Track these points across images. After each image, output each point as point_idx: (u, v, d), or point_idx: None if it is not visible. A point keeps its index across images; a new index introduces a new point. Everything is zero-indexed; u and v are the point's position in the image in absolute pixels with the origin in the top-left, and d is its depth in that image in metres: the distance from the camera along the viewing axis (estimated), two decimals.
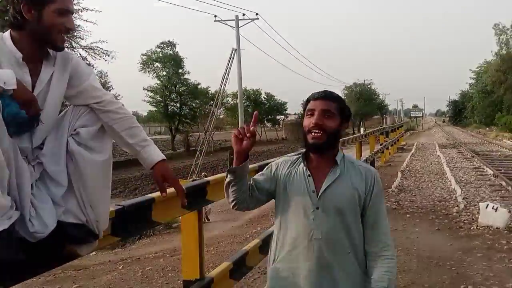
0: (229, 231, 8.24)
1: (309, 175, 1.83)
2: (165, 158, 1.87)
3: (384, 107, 66.16)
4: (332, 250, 1.77)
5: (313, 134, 1.78)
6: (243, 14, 27.07)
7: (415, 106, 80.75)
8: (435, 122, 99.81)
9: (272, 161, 2.03)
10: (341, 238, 1.78)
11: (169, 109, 44.18)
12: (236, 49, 25.18)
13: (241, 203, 1.86)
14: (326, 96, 1.83)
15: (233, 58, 26.09)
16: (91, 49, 19.96)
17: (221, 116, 47.71)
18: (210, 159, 33.94)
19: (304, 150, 1.92)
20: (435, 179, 11.35)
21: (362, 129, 51.12)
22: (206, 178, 3.21)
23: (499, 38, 43.95)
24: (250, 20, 27.03)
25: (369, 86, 57.77)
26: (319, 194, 1.79)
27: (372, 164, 12.26)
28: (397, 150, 20.58)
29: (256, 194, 1.88)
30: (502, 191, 9.43)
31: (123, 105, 1.87)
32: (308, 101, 1.88)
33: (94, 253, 7.47)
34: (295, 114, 57.64)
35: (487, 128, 46.43)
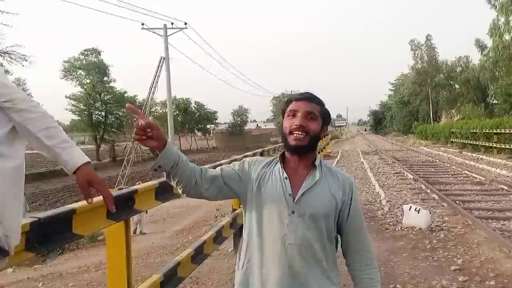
0: (158, 242, 7.92)
1: (286, 178, 1.75)
2: (89, 160, 1.69)
3: None
4: (304, 256, 1.70)
5: (295, 135, 1.71)
6: (172, 23, 26.75)
7: (339, 116, 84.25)
8: (358, 130, 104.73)
9: (245, 158, 1.89)
10: (315, 245, 1.71)
11: (94, 118, 42.41)
12: (164, 58, 24.71)
13: (193, 189, 1.71)
14: (310, 97, 1.76)
15: (161, 66, 25.54)
16: (6, 53, 18.59)
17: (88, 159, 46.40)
18: (138, 169, 32.89)
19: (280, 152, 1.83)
20: (360, 183, 11.78)
21: None
22: (133, 187, 3.02)
23: (414, 53, 47.12)
24: (179, 29, 26.75)
25: None
26: (296, 198, 1.71)
27: None
28: (324, 157, 21.25)
29: (219, 182, 1.75)
30: (422, 194, 9.98)
31: (38, 103, 1.67)
32: (289, 101, 1.80)
33: (11, 269, 6.84)
34: (225, 123, 57.68)
35: (405, 136, 49.41)
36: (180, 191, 1.72)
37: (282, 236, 1.70)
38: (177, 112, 47.25)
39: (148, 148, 1.62)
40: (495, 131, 20.58)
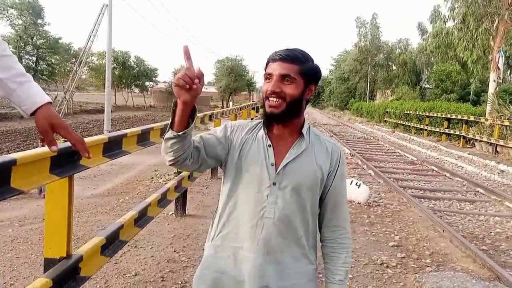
0: (88, 199, 7.52)
1: (269, 145, 1.57)
2: (51, 100, 1.39)
3: (252, 84, 67.81)
4: (283, 232, 1.55)
5: (270, 101, 1.53)
6: None
7: None
8: None
9: (227, 123, 1.70)
10: (295, 220, 1.57)
11: (23, 63, 39.22)
12: (107, 5, 23.17)
13: (182, 162, 1.50)
14: (286, 57, 1.53)
15: (103, 14, 24.02)
16: None
17: (83, 76, 43.88)
18: (69, 121, 31.25)
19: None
20: None
21: (230, 103, 51.96)
22: (123, 131, 2.71)
23: (359, 31, 47.94)
24: None
25: (240, 61, 58.62)
26: (279, 168, 1.54)
27: None
28: None
29: (202, 155, 1.56)
30: (359, 169, 10.27)
31: None
32: (268, 62, 1.58)
33: None
34: (164, 82, 55.99)
35: (341, 112, 50.78)
36: (169, 159, 1.49)
37: (260, 209, 1.55)
38: (115, 65, 45.03)
39: (175, 101, 1.41)
40: (427, 114, 21.61)
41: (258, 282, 1.55)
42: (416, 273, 4.09)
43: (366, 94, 47.82)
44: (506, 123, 14.29)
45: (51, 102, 1.38)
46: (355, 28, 48.23)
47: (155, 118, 34.25)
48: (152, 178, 8.87)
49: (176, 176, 5.28)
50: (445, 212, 6.52)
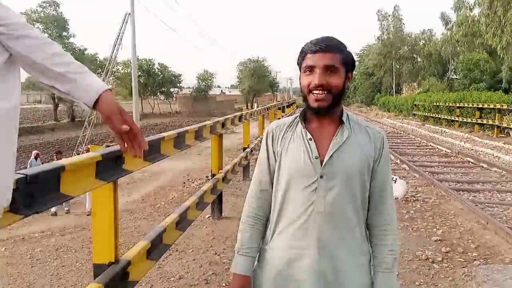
0: (124, 206, 7.62)
1: (310, 139, 1.54)
2: (110, 87, 1.38)
3: (275, 85, 67.77)
4: (336, 225, 1.51)
5: (316, 95, 1.49)
6: None
7: None
8: None
9: (266, 130, 1.68)
10: (347, 211, 1.52)
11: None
12: (130, 13, 23.52)
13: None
14: (327, 47, 1.50)
15: (126, 22, 24.39)
16: None
17: (110, 86, 44.55)
18: (98, 131, 31.89)
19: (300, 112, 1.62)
20: None
21: (255, 105, 52.01)
22: (161, 134, 2.73)
23: (381, 24, 47.27)
24: None
25: (262, 63, 58.69)
26: (324, 160, 1.50)
27: None
28: None
29: (269, 196, 1.64)
30: (392, 164, 10.07)
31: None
32: (303, 53, 1.55)
33: None
34: (189, 87, 56.54)
35: (368, 107, 50.10)
36: None
37: (310, 204, 1.51)
38: (140, 73, 45.73)
39: None
40: (458, 105, 21.09)
41: (315, 279, 1.50)
42: (464, 267, 3.96)
43: (392, 88, 47.03)
44: None
45: (111, 89, 1.35)
46: (377, 22, 47.61)
47: (182, 123, 34.62)
48: (184, 183, 8.93)
49: (210, 179, 5.29)
50: (486, 204, 6.32)
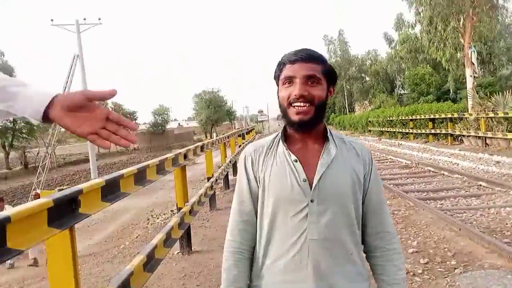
0: (86, 250, 7.16)
1: (295, 160, 1.39)
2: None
3: (232, 113, 68.03)
4: (332, 252, 1.36)
5: (297, 108, 1.35)
6: (84, 18, 25.06)
7: (260, 111, 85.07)
8: (279, 125, 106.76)
9: (243, 155, 1.52)
10: (343, 236, 1.38)
11: (1, 124, 38.69)
12: (78, 55, 23.05)
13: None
14: (308, 57, 1.38)
15: (75, 65, 23.82)
16: None
17: (63, 129, 43.25)
18: (54, 175, 30.69)
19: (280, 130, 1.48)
20: None
21: (214, 135, 51.80)
22: (78, 186, 2.48)
23: (328, 48, 48.80)
24: (92, 25, 25.15)
25: (217, 93, 58.93)
26: (314, 182, 1.36)
27: (235, 165, 12.20)
28: None
29: (253, 227, 1.47)
30: None
31: None
32: (281, 65, 1.42)
33: None
34: (145, 123, 55.74)
35: None
36: None
37: (301, 232, 1.36)
38: None
39: None
40: (411, 118, 21.75)
41: None
42: (446, 277, 3.88)
43: (345, 108, 48.23)
44: (491, 115, 14.39)
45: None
46: (324, 46, 49.06)
47: (141, 160, 33.87)
48: (148, 219, 8.56)
49: (176, 213, 5.03)
50: (454, 211, 6.36)
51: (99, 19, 25.67)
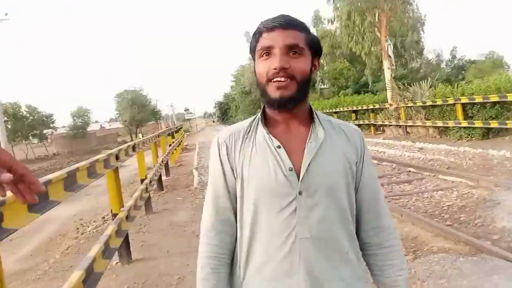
0: (10, 267, 6.46)
1: (278, 146, 1.18)
2: None
3: (157, 113, 66.35)
4: (326, 251, 1.16)
5: (277, 83, 1.14)
6: None
7: (186, 110, 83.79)
8: (206, 123, 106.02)
9: (215, 142, 1.29)
10: (337, 232, 1.18)
11: None
12: None
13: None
14: (288, 23, 1.17)
15: None
16: None
17: None
18: None
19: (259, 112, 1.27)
20: None
21: (140, 135, 50.15)
22: (47, 176, 2.10)
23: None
24: None
25: (140, 92, 57.12)
26: (301, 171, 1.16)
27: (167, 165, 11.76)
28: (182, 151, 20.68)
29: (232, 227, 1.27)
30: None
31: None
32: (258, 34, 1.20)
33: None
34: (64, 127, 52.63)
35: None
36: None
37: (290, 231, 1.16)
38: (6, 118, 41.36)
39: None
40: (334, 110, 22.43)
41: None
42: None
43: None
44: (410, 104, 15.18)
45: None
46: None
47: (63, 165, 31.84)
48: (78, 229, 7.92)
49: (113, 219, 4.63)
50: (391, 197, 6.51)
51: (6, 14, 23.85)
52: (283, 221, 1.16)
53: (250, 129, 1.26)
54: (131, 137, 54.20)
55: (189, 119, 78.20)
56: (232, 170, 1.24)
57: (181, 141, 22.16)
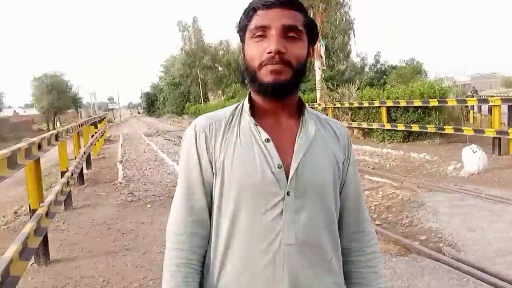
0: None
1: (267, 140, 1.04)
2: None
3: (78, 100, 62.96)
4: (310, 259, 1.05)
5: (271, 67, 1.00)
6: None
7: (110, 99, 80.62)
8: (131, 114, 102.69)
9: (191, 128, 1.12)
10: (323, 238, 1.07)
11: None
12: None
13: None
14: (289, 1, 1.03)
15: None
16: None
17: None
18: None
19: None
20: (156, 165, 11.15)
21: (58, 124, 47.28)
22: None
23: (182, 35, 48.18)
24: None
25: (61, 77, 53.84)
26: (291, 170, 1.03)
27: (88, 157, 11.10)
28: (105, 142, 19.76)
29: (205, 230, 1.11)
30: None
31: None
32: (252, 10, 1.04)
33: None
34: (10, 107, 48.32)
35: (180, 117, 50.48)
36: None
37: (275, 235, 1.03)
38: None
39: None
40: None
41: None
42: None
43: (200, 97, 48.37)
44: (338, 105, 15.67)
45: None
46: (178, 33, 48.32)
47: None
48: (16, 213, 7.12)
49: (30, 215, 4.20)
50: None
51: None
52: (266, 224, 1.03)
53: (232, 118, 1.11)
54: (48, 125, 50.98)
55: (112, 109, 75.08)
56: (211, 163, 1.08)
57: (104, 131, 21.16)
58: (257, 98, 1.10)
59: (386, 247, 4.14)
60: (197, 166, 1.09)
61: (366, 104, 13.73)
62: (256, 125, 1.07)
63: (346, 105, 15.01)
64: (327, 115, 15.93)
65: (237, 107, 1.13)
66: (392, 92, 13.77)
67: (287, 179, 1.04)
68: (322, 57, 19.20)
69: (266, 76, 1.02)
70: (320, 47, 19.04)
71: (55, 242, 5.05)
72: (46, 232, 4.27)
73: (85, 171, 9.98)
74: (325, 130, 1.15)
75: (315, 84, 19.48)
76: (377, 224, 4.89)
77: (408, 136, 12.31)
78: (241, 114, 1.11)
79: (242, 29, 1.09)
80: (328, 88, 17.87)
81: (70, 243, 5.03)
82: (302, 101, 1.14)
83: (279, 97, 1.06)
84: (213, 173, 1.08)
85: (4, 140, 32.89)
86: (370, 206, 5.79)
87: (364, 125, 13.72)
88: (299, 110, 1.13)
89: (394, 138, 12.51)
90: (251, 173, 1.03)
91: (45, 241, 4.31)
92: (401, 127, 11.97)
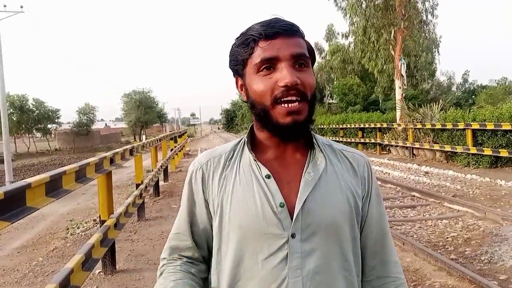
0: None
1: (267, 176, 0.96)
2: None
3: (163, 116, 66.32)
4: None
5: (287, 105, 0.93)
6: (4, 5, 23.07)
7: (193, 115, 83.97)
8: (211, 129, 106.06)
9: (191, 168, 1.08)
10: (336, 280, 0.95)
11: None
12: None
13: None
14: (292, 28, 0.97)
15: None
16: None
17: None
18: None
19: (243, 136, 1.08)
20: None
21: (143, 137, 50.06)
22: (25, 180, 1.90)
23: None
24: (13, 13, 23.23)
25: (148, 93, 57.15)
26: (296, 209, 0.94)
27: (166, 170, 11.55)
28: (184, 156, 20.50)
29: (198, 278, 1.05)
30: None
31: None
32: (252, 42, 0.96)
33: None
34: (69, 122, 52.71)
35: None
36: None
37: (279, 283, 0.92)
38: (12, 110, 41.35)
39: None
40: (341, 126, 22.17)
41: None
42: None
43: None
44: (419, 126, 14.90)
45: None
46: None
47: (63, 161, 31.76)
48: (68, 229, 7.72)
49: (99, 226, 4.40)
50: (393, 223, 6.25)
51: (21, 7, 23.81)
52: (270, 271, 0.94)
53: (233, 154, 1.05)
54: (135, 138, 54.16)
55: (194, 124, 78.06)
56: (206, 203, 1.03)
57: (184, 146, 21.98)
58: (260, 132, 1.02)
59: (459, 285, 3.78)
60: (187, 206, 1.06)
61: (449, 126, 12.91)
62: (256, 160, 0.99)
63: (428, 126, 14.23)
64: (407, 135, 15.41)
65: (239, 142, 1.06)
66: (478, 113, 12.84)
67: (292, 219, 0.94)
68: (403, 76, 18.51)
69: (282, 117, 0.94)
70: (401, 65, 18.38)
71: (124, 252, 5.25)
72: (114, 243, 4.44)
73: (161, 183, 10.39)
74: (339, 161, 1.04)
75: (395, 103, 18.77)
76: (451, 259, 4.50)
77: (496, 162, 11.33)
78: (242, 149, 1.04)
79: (240, 63, 1.00)
80: (408, 108, 17.09)
81: (138, 254, 5.20)
82: (309, 131, 1.04)
83: (296, 137, 0.99)
84: (208, 213, 1.03)
85: (94, 151, 35.50)
86: (447, 238, 5.36)
87: (447, 148, 12.89)
88: (307, 141, 1.03)
89: (480, 164, 11.58)
90: (250, 213, 0.95)
91: (112, 251, 4.49)
92: (488, 151, 11.06)
